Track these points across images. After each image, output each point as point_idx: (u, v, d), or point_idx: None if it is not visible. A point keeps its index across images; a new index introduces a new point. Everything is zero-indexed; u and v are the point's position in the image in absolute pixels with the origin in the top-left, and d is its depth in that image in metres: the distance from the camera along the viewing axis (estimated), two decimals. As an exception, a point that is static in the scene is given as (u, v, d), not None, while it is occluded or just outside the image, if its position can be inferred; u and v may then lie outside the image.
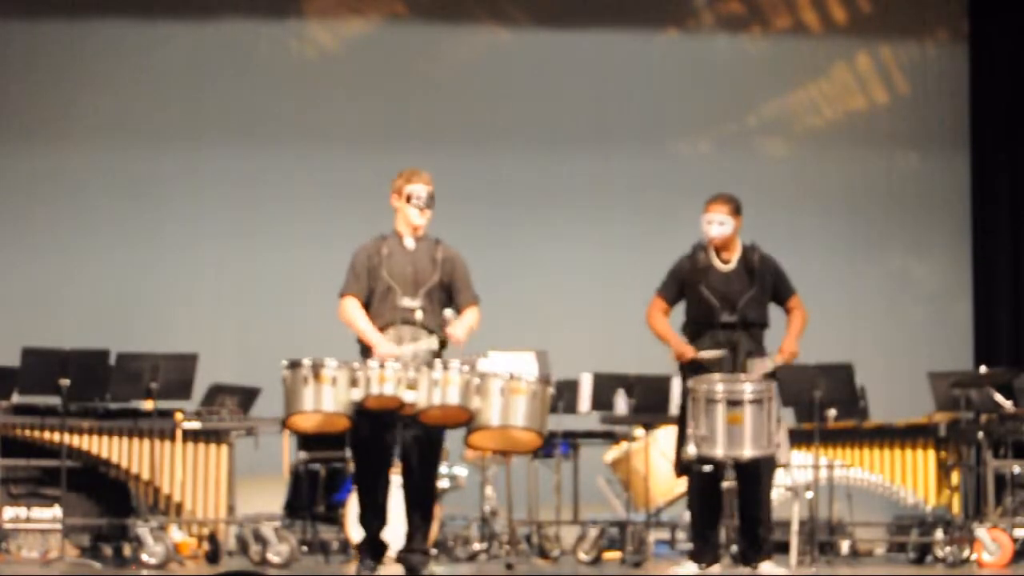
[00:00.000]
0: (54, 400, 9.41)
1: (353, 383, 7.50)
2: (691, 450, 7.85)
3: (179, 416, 9.64)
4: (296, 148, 12.78)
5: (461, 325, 7.81)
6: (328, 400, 7.51)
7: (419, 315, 7.75)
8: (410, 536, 7.86)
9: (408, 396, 7.46)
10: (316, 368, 7.49)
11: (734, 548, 9.12)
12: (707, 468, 8.03)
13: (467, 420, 7.61)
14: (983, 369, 10.21)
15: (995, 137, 13.19)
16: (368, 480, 7.85)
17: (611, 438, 10.74)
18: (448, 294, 7.90)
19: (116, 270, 12.65)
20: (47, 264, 12.62)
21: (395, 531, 7.98)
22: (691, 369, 8.09)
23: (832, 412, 9.89)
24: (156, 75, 12.88)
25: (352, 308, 7.82)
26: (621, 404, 10.39)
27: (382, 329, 7.74)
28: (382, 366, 7.47)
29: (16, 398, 9.69)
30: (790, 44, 13.44)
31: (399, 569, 7.92)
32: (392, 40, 13.16)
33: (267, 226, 12.66)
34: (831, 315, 12.93)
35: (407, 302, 7.75)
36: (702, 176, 12.75)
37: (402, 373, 7.46)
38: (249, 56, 13.05)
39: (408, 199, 7.88)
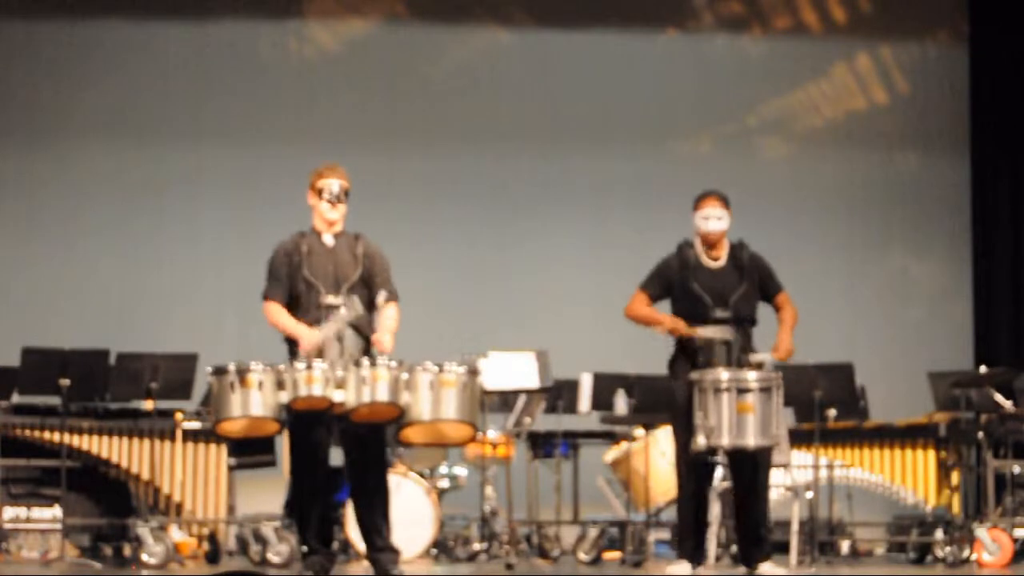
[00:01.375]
0: (54, 400, 9.42)
1: (280, 386, 7.41)
2: (701, 441, 7.81)
3: (179, 416, 9.64)
4: (296, 148, 12.76)
5: (386, 334, 7.66)
6: (255, 404, 7.43)
7: (343, 312, 7.69)
8: (374, 537, 7.75)
9: (337, 396, 7.38)
10: (241, 373, 7.41)
11: (734, 548, 9.13)
12: (718, 459, 8.00)
13: (398, 416, 7.52)
14: (983, 369, 10.21)
15: (995, 137, 13.19)
16: (305, 483, 7.79)
17: (611, 438, 10.74)
18: (370, 290, 7.79)
19: (116, 270, 12.65)
20: (47, 264, 12.62)
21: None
22: (684, 363, 8.05)
23: (832, 412, 9.89)
24: (156, 75, 12.88)
25: (275, 311, 7.76)
26: (621, 404, 10.39)
27: (308, 327, 7.65)
28: (309, 367, 7.38)
29: (16, 398, 9.69)
30: (790, 44, 13.44)
31: (369, 569, 7.88)
32: (392, 40, 13.16)
33: (267, 226, 12.62)
34: (831, 315, 12.95)
35: (330, 299, 7.67)
36: (702, 176, 12.72)
37: (330, 373, 7.37)
38: (249, 56, 13.05)
39: (320, 193, 7.84)
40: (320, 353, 7.52)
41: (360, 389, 7.39)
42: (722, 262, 8.18)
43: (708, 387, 7.85)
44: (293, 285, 7.76)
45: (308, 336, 7.57)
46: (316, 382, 7.38)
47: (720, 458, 8.03)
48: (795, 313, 8.29)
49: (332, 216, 7.83)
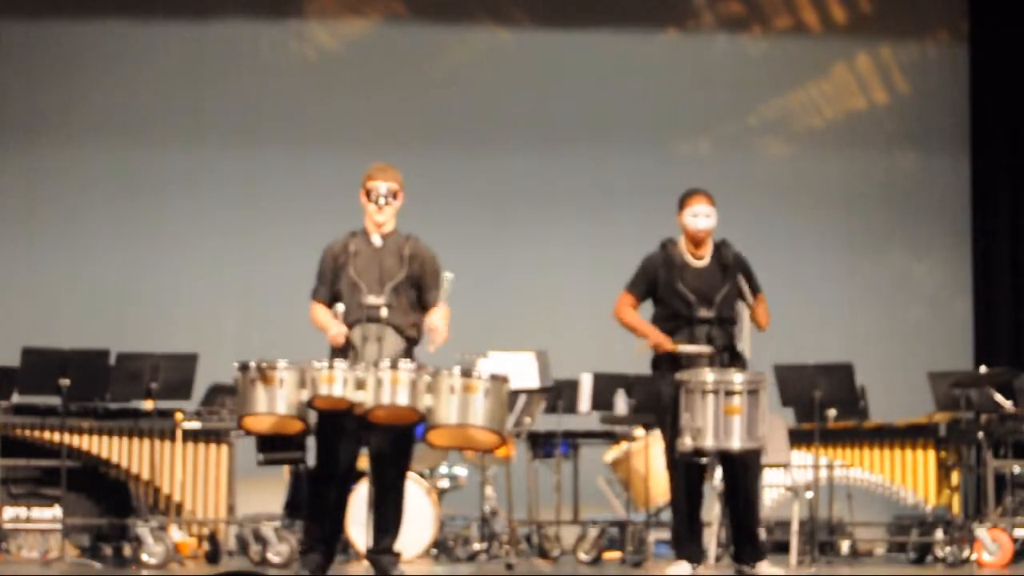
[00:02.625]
0: (54, 400, 9.42)
1: (301, 384, 7.44)
2: (688, 442, 7.79)
3: (179, 416, 9.65)
4: (296, 148, 12.78)
5: (439, 317, 7.68)
6: (281, 402, 7.46)
7: (384, 312, 7.65)
8: (380, 536, 7.77)
9: (357, 397, 7.39)
10: (263, 370, 7.44)
11: (733, 548, 9.15)
12: (704, 460, 7.98)
13: (417, 420, 7.52)
14: (983, 369, 10.21)
15: (995, 137, 13.19)
16: (323, 485, 7.79)
17: (611, 438, 10.73)
18: (417, 291, 7.80)
19: (116, 270, 12.66)
20: (47, 264, 12.63)
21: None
22: (668, 363, 8.04)
23: (832, 412, 9.88)
24: (156, 75, 12.88)
25: (315, 312, 7.81)
26: (621, 404, 10.39)
27: (349, 327, 7.67)
28: (331, 367, 7.40)
29: (16, 398, 9.69)
30: (790, 44, 13.44)
31: (369, 569, 7.89)
32: (392, 40, 13.16)
33: (267, 226, 12.67)
34: (831, 315, 12.96)
35: (372, 299, 7.66)
36: (702, 176, 12.72)
37: (350, 373, 7.38)
38: (249, 56, 13.05)
39: (368, 195, 7.86)
40: (345, 351, 7.57)
41: (379, 391, 7.40)
42: (706, 261, 8.15)
43: (695, 388, 7.81)
44: (338, 284, 7.77)
45: (334, 333, 7.62)
46: (336, 382, 7.39)
47: (708, 459, 8.01)
48: (768, 311, 8.23)
49: (379, 218, 7.84)
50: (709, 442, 7.79)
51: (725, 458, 7.96)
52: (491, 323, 12.28)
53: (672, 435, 7.93)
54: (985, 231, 13.18)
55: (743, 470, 8.01)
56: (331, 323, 7.69)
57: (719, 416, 7.78)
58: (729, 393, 7.80)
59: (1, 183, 12.77)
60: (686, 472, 8.01)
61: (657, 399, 8.12)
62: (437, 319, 7.67)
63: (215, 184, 12.81)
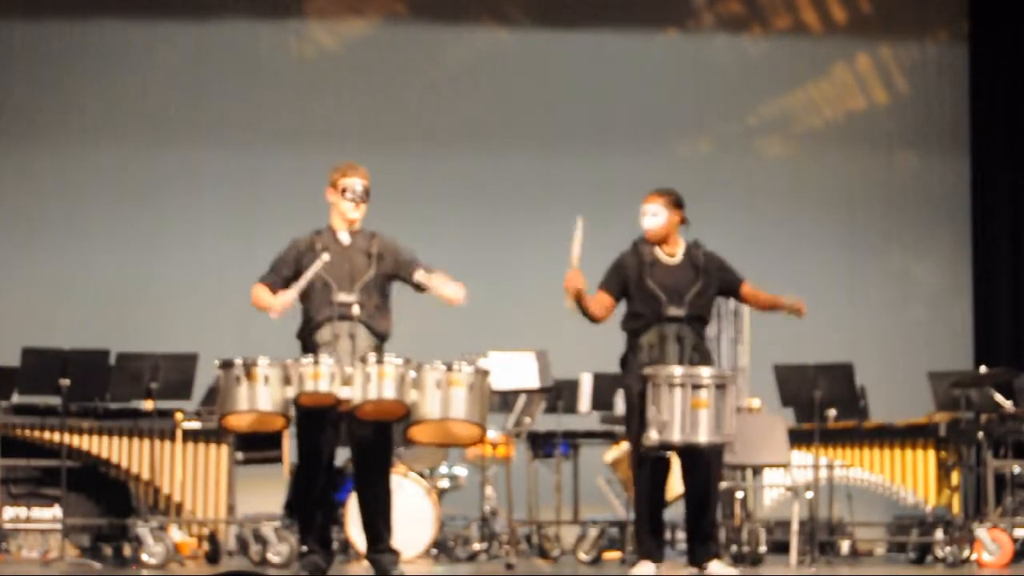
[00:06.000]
0: (54, 400, 9.42)
1: (286, 381, 7.44)
2: (654, 435, 7.70)
3: (179, 416, 9.65)
4: (296, 148, 12.77)
5: (445, 283, 7.68)
6: (263, 399, 7.45)
7: (356, 310, 7.66)
8: (375, 537, 7.77)
9: (343, 392, 7.39)
10: (248, 367, 7.43)
11: (734, 548, 9.14)
12: (669, 454, 7.89)
13: (404, 414, 7.53)
14: (983, 369, 10.21)
15: (995, 137, 13.19)
16: (308, 480, 7.80)
17: (611, 438, 10.73)
18: (385, 287, 7.79)
19: (116, 270, 12.66)
20: (47, 264, 12.63)
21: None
22: (635, 361, 7.95)
23: (832, 412, 9.88)
24: (156, 75, 12.89)
25: (257, 291, 7.76)
26: (621, 404, 10.38)
27: (320, 324, 7.69)
28: (316, 362, 7.40)
29: (16, 398, 9.70)
30: (790, 44, 13.45)
31: (369, 569, 7.89)
32: (392, 40, 13.16)
33: (267, 226, 12.62)
34: (831, 315, 12.94)
35: (343, 297, 7.67)
36: (702, 176, 12.79)
37: (336, 369, 7.39)
38: (249, 56, 13.05)
39: (343, 192, 7.85)
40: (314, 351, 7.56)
41: (366, 386, 7.40)
42: (678, 259, 8.13)
43: (662, 382, 7.74)
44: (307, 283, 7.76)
45: (279, 299, 7.60)
46: (322, 378, 7.39)
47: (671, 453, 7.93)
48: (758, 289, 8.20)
49: (354, 215, 7.85)
50: (676, 436, 7.70)
51: (687, 453, 7.86)
52: (491, 323, 12.28)
53: (638, 431, 7.83)
54: (985, 231, 13.19)
55: (705, 466, 7.89)
56: (271, 299, 7.63)
57: (686, 410, 7.73)
58: (696, 387, 7.75)
59: (1, 183, 12.77)
60: (651, 468, 7.88)
61: (627, 396, 8.07)
62: (452, 288, 7.65)
63: (215, 184, 12.81)
